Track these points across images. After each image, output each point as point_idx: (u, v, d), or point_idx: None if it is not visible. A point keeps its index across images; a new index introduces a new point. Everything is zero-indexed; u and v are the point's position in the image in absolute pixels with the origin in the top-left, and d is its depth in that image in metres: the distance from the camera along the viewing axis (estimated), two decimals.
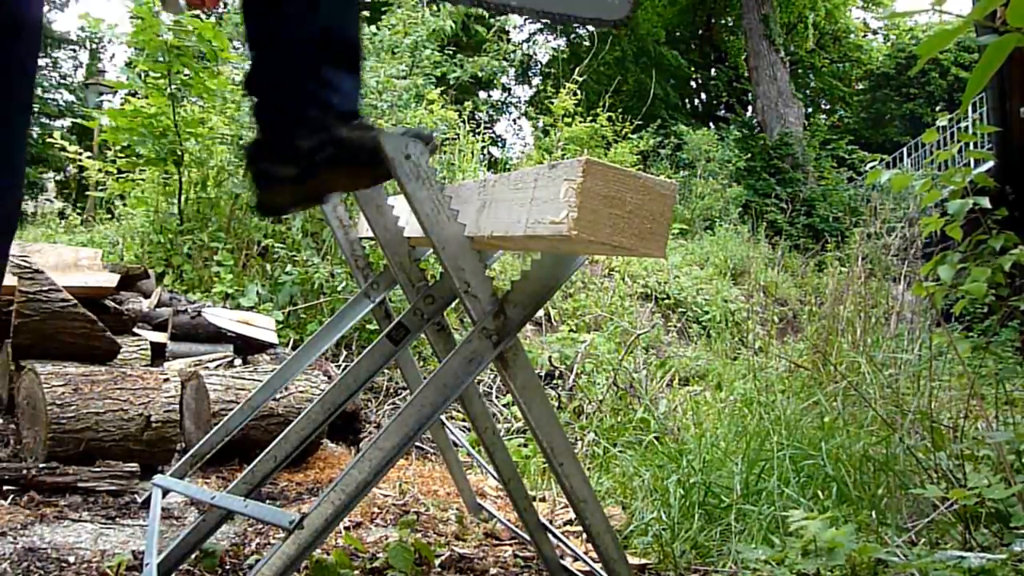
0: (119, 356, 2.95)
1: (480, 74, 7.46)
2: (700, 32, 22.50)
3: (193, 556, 1.72)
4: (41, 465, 2.33)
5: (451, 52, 7.35)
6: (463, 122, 7.19)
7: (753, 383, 3.48)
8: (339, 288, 4.50)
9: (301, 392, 2.89)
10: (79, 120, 10.80)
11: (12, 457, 2.58)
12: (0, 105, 1.01)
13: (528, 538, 1.89)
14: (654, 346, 5.67)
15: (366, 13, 8.31)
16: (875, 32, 23.84)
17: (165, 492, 1.99)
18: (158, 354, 3.34)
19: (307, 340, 2.06)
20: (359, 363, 1.65)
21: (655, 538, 2.12)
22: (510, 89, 24.02)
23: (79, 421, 2.44)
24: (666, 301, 7.11)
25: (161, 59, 5.03)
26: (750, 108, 19.89)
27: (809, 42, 21.05)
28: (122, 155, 5.68)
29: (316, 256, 4.79)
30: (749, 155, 15.30)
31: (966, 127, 10.64)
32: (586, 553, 1.94)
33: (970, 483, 1.86)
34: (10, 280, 2.71)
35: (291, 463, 2.11)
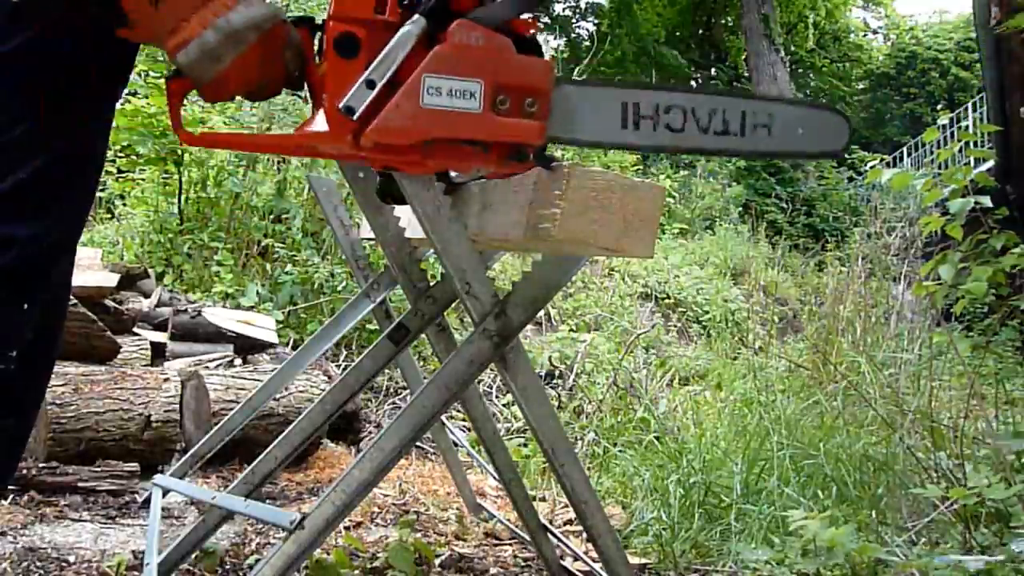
0: (119, 356, 2.95)
1: None
2: (700, 32, 22.49)
3: (193, 556, 1.72)
4: (41, 465, 2.33)
5: None
6: None
7: (753, 383, 3.48)
8: (339, 288, 4.50)
9: (301, 392, 2.89)
10: None
11: None
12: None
13: (528, 538, 1.89)
14: (654, 346, 5.66)
15: None
16: (875, 32, 23.84)
17: (165, 492, 1.99)
18: (158, 354, 3.33)
19: (307, 340, 2.06)
20: (359, 363, 1.65)
21: (655, 538, 2.12)
22: None
23: (79, 421, 2.44)
24: (666, 301, 7.09)
25: (161, 58, 5.02)
26: None
27: (809, 42, 21.03)
28: (122, 155, 5.67)
29: (316, 256, 4.79)
30: None
31: (966, 126, 10.62)
32: (586, 553, 1.94)
33: (970, 483, 1.86)
34: None
35: (291, 463, 2.11)
